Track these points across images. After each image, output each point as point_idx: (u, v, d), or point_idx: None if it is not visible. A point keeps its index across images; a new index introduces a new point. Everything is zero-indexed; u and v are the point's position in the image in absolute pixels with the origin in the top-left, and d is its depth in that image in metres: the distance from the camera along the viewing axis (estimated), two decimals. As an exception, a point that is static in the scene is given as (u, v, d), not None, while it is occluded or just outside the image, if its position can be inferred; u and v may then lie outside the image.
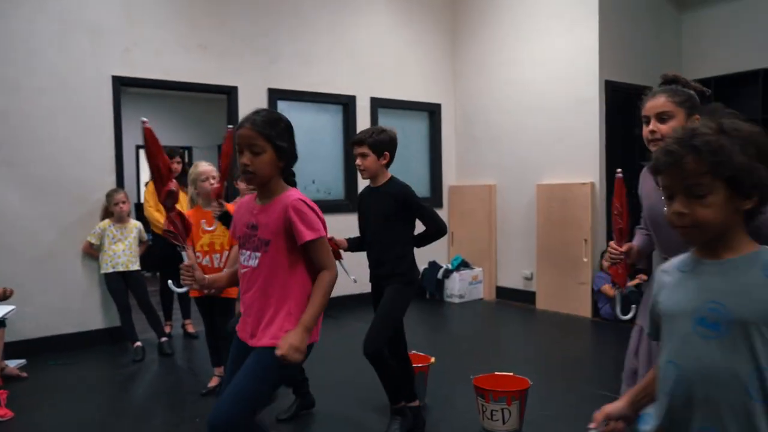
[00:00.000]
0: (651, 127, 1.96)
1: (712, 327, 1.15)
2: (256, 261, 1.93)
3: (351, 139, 2.95)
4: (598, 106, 5.58)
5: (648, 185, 2.07)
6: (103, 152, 4.91)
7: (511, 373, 3.11)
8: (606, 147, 5.60)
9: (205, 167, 3.59)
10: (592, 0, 5.58)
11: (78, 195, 4.78)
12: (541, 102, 6.08)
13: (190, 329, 5.21)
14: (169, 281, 2.41)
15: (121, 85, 5.02)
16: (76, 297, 4.79)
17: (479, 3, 6.74)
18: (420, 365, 3.34)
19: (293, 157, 2.00)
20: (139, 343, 4.59)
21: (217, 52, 5.46)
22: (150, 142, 1.99)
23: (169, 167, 2.08)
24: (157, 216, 4.97)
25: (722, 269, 1.17)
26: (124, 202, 4.70)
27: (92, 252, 4.75)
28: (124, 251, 4.68)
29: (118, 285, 4.67)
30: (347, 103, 6.28)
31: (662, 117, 1.94)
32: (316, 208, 1.98)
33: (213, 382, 3.75)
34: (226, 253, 3.54)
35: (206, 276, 2.08)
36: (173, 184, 1.99)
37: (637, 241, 2.21)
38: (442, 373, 3.74)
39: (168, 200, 1.99)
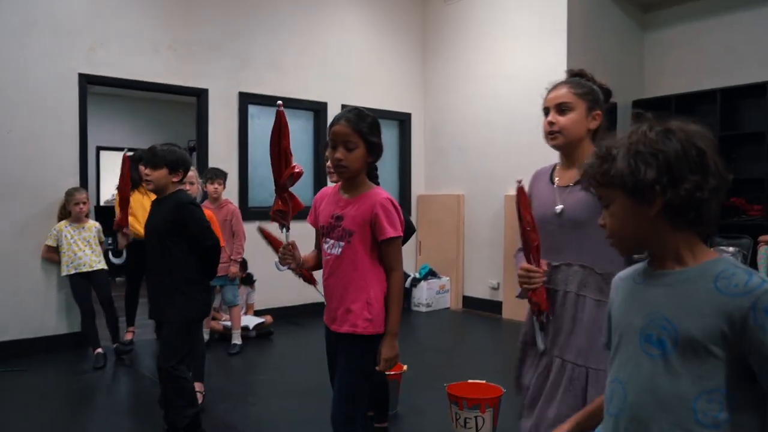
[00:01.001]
0: (550, 118, 1.85)
1: (658, 345, 1.06)
2: (339, 250, 2.03)
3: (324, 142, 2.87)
4: (565, 119, 5.70)
5: (540, 185, 1.95)
6: (66, 152, 4.77)
7: (484, 381, 3.13)
8: (572, 160, 5.71)
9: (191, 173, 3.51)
10: (560, 19, 5.71)
11: (38, 195, 4.62)
12: (509, 116, 6.17)
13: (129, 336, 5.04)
14: (275, 261, 2.24)
15: (87, 83, 4.89)
16: (33, 300, 4.61)
17: (449, 17, 6.83)
18: (392, 374, 3.32)
19: (381, 153, 2.07)
20: (100, 350, 4.45)
21: (187, 53, 5.37)
22: (284, 124, 2.04)
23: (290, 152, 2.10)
24: (130, 220, 4.84)
25: (672, 281, 1.08)
26: (84, 203, 4.54)
27: (52, 256, 4.58)
28: (85, 251, 4.53)
29: (82, 287, 4.51)
30: (319, 110, 6.26)
31: (562, 108, 1.83)
32: (400, 209, 2.07)
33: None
34: None
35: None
36: (298, 167, 2.07)
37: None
38: (413, 381, 3.74)
39: (289, 181, 2.08)
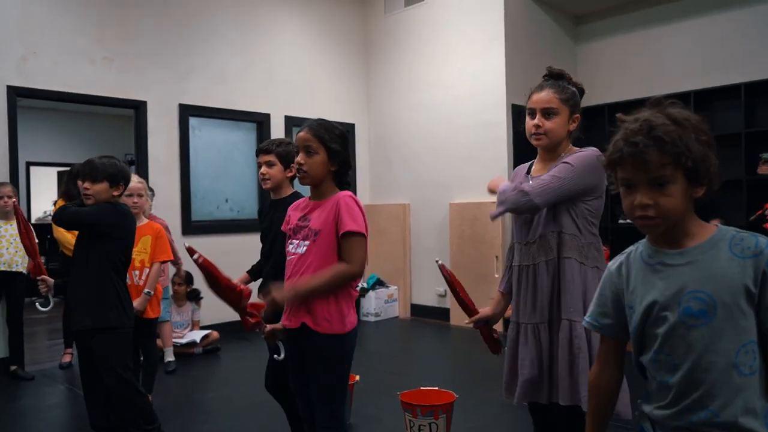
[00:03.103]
0: (536, 121, 1.97)
1: (700, 315, 1.18)
2: (304, 249, 2.05)
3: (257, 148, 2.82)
4: (505, 128, 5.86)
5: (518, 179, 2.11)
6: (-5, 168, 4.54)
7: (436, 388, 3.16)
8: (513, 167, 5.85)
9: (133, 184, 3.36)
10: (498, 29, 5.89)
11: (-35, 214, 4.37)
12: (451, 125, 6.29)
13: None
14: (277, 355, 2.31)
15: (17, 96, 4.68)
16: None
17: (390, 28, 6.91)
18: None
19: (346, 164, 2.12)
20: None
21: (124, 65, 5.22)
22: (212, 271, 2.09)
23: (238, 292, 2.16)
24: (69, 237, 4.62)
25: (691, 257, 1.20)
26: (10, 197, 4.28)
27: None
28: (8, 249, 4.28)
29: None
30: (261, 121, 6.20)
31: (548, 112, 1.95)
32: (364, 210, 2.09)
33: None
34: (146, 269, 3.38)
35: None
36: (246, 290, 2.15)
37: (497, 298, 2.22)
38: (365, 391, 3.74)
39: (245, 301, 2.15)
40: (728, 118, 5.51)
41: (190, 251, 2.06)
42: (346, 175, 2.16)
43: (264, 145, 2.77)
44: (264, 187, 2.77)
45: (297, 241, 2.10)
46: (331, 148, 2.06)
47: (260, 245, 2.78)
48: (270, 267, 2.67)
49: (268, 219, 2.75)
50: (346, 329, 2.06)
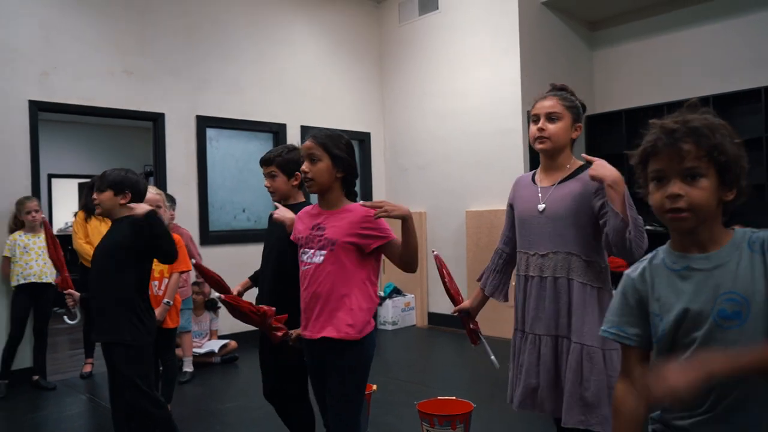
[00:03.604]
0: (540, 125, 2.04)
1: (734, 317, 1.18)
2: (321, 258, 2.07)
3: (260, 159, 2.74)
4: (521, 135, 5.84)
5: (523, 187, 2.16)
6: (18, 182, 4.62)
7: (454, 397, 3.14)
8: (530, 175, 5.84)
9: (151, 195, 3.40)
10: (513, 37, 5.88)
11: (-11, 225, 4.45)
12: (466, 133, 6.29)
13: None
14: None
15: (39, 110, 4.77)
16: (-14, 337, 4.43)
17: (404, 37, 6.94)
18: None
19: (352, 170, 2.15)
20: (6, 381, 4.32)
21: (142, 77, 5.31)
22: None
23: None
24: (88, 249, 4.69)
25: (718, 261, 1.21)
26: (36, 211, 4.40)
27: (7, 269, 4.42)
28: (36, 261, 4.37)
29: (22, 301, 4.34)
30: (278, 131, 6.25)
31: (551, 117, 2.02)
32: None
33: None
34: (165, 280, 3.42)
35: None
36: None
37: (477, 294, 2.34)
38: (382, 400, 3.73)
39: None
40: (749, 122, 5.42)
41: (218, 292, 2.30)
42: (353, 182, 2.18)
43: (265, 155, 2.69)
44: (273, 199, 2.70)
45: (312, 251, 2.10)
46: (334, 155, 2.09)
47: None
48: (264, 273, 2.67)
49: (269, 228, 2.70)
50: (365, 335, 2.07)
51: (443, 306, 6.55)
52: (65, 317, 3.09)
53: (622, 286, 1.35)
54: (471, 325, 2.35)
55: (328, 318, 2.05)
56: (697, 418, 1.22)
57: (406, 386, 4.30)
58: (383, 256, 2.17)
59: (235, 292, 2.68)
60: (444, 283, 2.35)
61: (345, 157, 2.11)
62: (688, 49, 5.99)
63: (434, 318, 6.63)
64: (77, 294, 2.97)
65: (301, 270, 2.15)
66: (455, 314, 2.36)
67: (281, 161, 2.61)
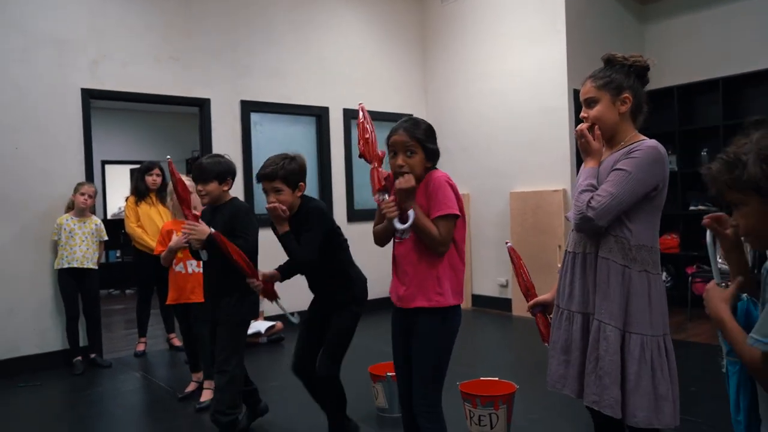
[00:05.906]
0: (582, 112, 2.03)
1: None
2: (409, 233, 2.14)
3: (258, 173, 2.66)
4: (567, 114, 5.70)
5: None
6: (72, 168, 4.79)
7: (496, 378, 3.13)
8: (576, 154, 5.71)
9: (188, 182, 3.50)
10: (559, 15, 5.72)
11: (44, 214, 4.63)
12: (511, 113, 6.17)
13: (176, 342, 5.09)
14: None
15: (90, 98, 4.92)
16: (47, 316, 4.64)
17: (447, 17, 6.84)
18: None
19: (437, 157, 2.20)
20: (79, 357, 4.50)
21: (188, 64, 5.41)
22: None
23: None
24: (140, 233, 4.85)
25: None
26: (90, 196, 4.52)
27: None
28: (80, 246, 4.48)
29: (69, 285, 4.48)
30: (320, 115, 6.28)
31: (589, 102, 1.99)
32: (456, 187, 2.16)
33: (190, 387, 3.85)
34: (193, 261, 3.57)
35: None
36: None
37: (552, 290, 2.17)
38: (425, 381, 3.73)
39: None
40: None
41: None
42: (434, 167, 2.22)
43: (265, 170, 2.60)
44: (284, 215, 2.64)
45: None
46: (427, 148, 2.14)
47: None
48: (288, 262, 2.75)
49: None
50: (451, 303, 2.17)
51: (487, 288, 6.51)
52: (290, 317, 3.04)
53: None
54: (548, 323, 2.20)
55: (416, 290, 2.14)
56: None
57: (449, 367, 4.29)
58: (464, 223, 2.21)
59: (260, 276, 2.74)
60: (519, 275, 2.26)
61: (436, 150, 2.18)
62: (745, 21, 5.70)
63: (478, 300, 6.59)
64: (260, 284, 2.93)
65: (395, 243, 2.26)
66: (528, 311, 2.26)
67: (285, 174, 2.58)
